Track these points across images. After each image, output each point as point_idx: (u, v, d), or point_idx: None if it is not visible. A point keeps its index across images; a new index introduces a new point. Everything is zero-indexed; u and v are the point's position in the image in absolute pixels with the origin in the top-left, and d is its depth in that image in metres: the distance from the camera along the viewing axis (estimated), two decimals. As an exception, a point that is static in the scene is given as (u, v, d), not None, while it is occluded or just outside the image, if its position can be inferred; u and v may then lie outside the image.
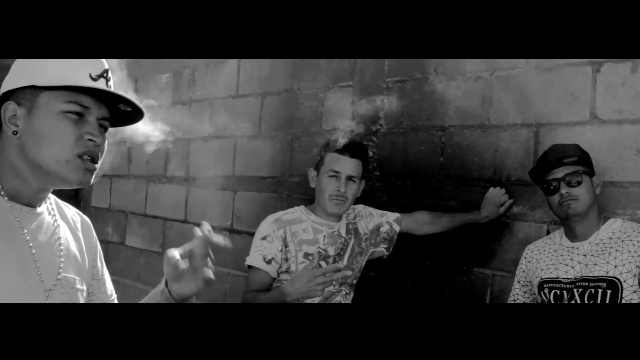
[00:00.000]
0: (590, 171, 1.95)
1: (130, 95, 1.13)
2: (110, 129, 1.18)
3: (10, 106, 1.09)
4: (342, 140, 2.16)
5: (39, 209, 1.15)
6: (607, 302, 1.79)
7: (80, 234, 1.26)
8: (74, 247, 1.21)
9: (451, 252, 2.51)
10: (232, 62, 3.55)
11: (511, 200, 2.35)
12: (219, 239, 1.16)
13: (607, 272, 1.82)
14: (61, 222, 1.20)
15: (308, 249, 2.14)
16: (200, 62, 3.76)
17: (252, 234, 3.26)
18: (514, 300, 2.12)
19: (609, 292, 1.80)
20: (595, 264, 1.86)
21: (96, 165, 1.12)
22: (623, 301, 1.78)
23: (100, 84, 1.11)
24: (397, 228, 2.40)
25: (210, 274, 1.17)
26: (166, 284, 1.18)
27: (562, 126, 2.23)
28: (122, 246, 4.25)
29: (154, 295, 1.20)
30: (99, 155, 1.12)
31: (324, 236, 2.19)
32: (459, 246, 2.49)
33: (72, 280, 1.18)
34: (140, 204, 4.20)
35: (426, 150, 2.63)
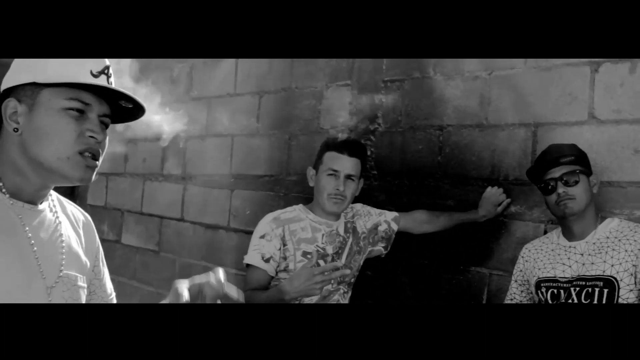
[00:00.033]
0: (587, 171, 1.96)
1: (130, 91, 1.13)
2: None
3: (11, 103, 1.09)
4: (342, 136, 2.15)
5: (41, 206, 1.14)
6: (604, 301, 1.80)
7: (81, 232, 1.25)
8: (75, 245, 1.21)
9: (449, 251, 2.51)
10: (229, 60, 3.54)
11: (509, 200, 2.36)
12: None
13: (604, 271, 1.83)
14: (63, 219, 1.20)
15: (306, 247, 2.14)
16: (198, 60, 3.75)
17: (248, 233, 3.28)
18: (511, 300, 2.13)
19: (605, 291, 1.81)
20: (592, 263, 1.86)
21: (97, 162, 1.12)
22: (620, 300, 1.79)
23: (101, 81, 1.11)
24: (395, 227, 2.40)
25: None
26: None
27: (560, 126, 2.23)
28: (117, 244, 4.24)
29: None
30: (100, 152, 1.12)
31: (323, 235, 2.19)
32: (456, 245, 2.49)
33: (74, 278, 1.17)
34: (137, 202, 4.19)
35: (424, 149, 2.64)
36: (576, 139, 2.10)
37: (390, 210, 2.46)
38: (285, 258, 2.12)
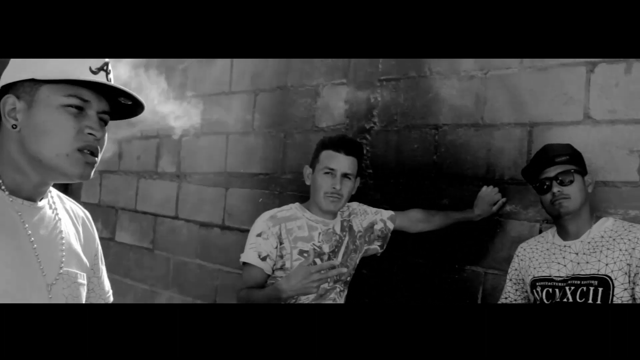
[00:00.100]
0: (582, 170, 1.97)
1: (129, 88, 1.13)
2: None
3: (10, 99, 1.08)
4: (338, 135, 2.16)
5: (40, 203, 1.14)
6: (599, 300, 1.81)
7: (80, 229, 1.25)
8: (75, 242, 1.21)
9: (444, 250, 2.52)
10: (224, 59, 3.53)
11: (504, 199, 2.37)
12: None
13: (598, 270, 1.84)
14: (62, 215, 1.20)
15: (303, 246, 2.14)
16: (193, 59, 3.74)
17: (243, 231, 3.28)
18: (506, 299, 2.14)
19: (600, 289, 1.82)
20: (587, 262, 1.87)
21: (96, 158, 1.11)
22: (615, 299, 1.80)
23: (101, 77, 1.10)
24: (391, 226, 2.41)
25: None
26: None
27: (556, 126, 2.24)
28: (111, 242, 4.23)
29: None
30: (99, 149, 1.12)
31: (319, 233, 2.19)
32: (452, 244, 2.50)
33: (74, 275, 1.17)
34: (131, 199, 4.17)
35: (420, 148, 2.64)
36: (571, 139, 2.11)
37: (386, 209, 2.46)
38: (281, 256, 2.12)
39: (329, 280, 1.99)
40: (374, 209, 2.43)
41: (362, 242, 2.35)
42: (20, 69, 1.09)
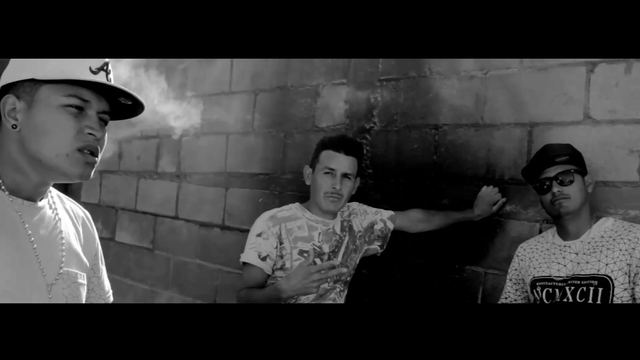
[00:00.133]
0: (582, 170, 1.97)
1: (130, 88, 1.12)
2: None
3: (10, 99, 1.08)
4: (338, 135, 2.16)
5: (40, 203, 1.14)
6: (599, 300, 1.81)
7: (80, 229, 1.25)
8: (75, 242, 1.21)
9: (444, 250, 2.52)
10: (224, 59, 3.53)
11: (504, 199, 2.37)
12: None
13: (598, 270, 1.84)
14: (62, 215, 1.20)
15: (303, 246, 2.14)
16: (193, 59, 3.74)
17: (243, 231, 3.28)
18: (506, 298, 2.14)
19: (600, 289, 1.82)
20: (587, 262, 1.87)
21: (96, 158, 1.11)
22: (615, 299, 1.80)
23: (101, 77, 1.10)
24: (391, 226, 2.41)
25: None
26: None
27: (556, 126, 2.24)
28: (111, 242, 4.23)
29: None
30: (99, 149, 1.12)
31: (319, 233, 2.19)
32: (451, 244, 2.50)
33: (74, 275, 1.17)
34: (131, 199, 4.17)
35: (420, 148, 2.64)
36: (571, 139, 2.11)
37: (385, 209, 2.46)
38: (281, 256, 2.12)
39: (329, 280, 1.99)
40: (374, 209, 2.43)
41: (362, 242, 2.35)
42: (20, 68, 1.09)
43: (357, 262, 2.34)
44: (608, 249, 1.86)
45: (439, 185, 2.57)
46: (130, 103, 1.14)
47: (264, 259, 2.10)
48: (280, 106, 3.23)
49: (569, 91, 2.22)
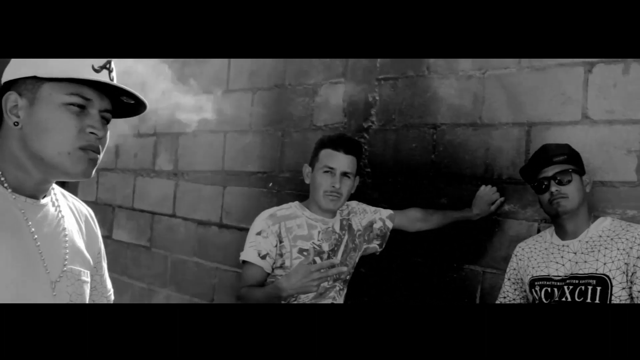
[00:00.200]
0: (580, 170, 1.98)
1: (132, 87, 1.12)
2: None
3: (12, 96, 1.07)
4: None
5: (43, 201, 1.14)
6: (597, 299, 1.82)
7: (83, 226, 1.25)
8: (78, 239, 1.21)
9: (443, 249, 2.53)
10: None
11: (502, 198, 2.37)
12: None
13: (596, 270, 1.85)
14: (65, 213, 1.19)
15: (302, 244, 2.15)
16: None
17: (241, 229, 3.28)
18: (505, 298, 2.14)
19: (598, 289, 1.83)
20: (585, 262, 1.88)
21: (98, 156, 1.11)
22: (613, 298, 1.81)
23: (103, 76, 1.10)
24: (390, 225, 2.41)
25: None
26: None
27: (554, 126, 2.25)
28: (108, 240, 4.22)
29: None
30: (101, 148, 1.11)
31: (319, 232, 2.19)
32: (450, 243, 2.51)
33: (78, 272, 1.17)
34: (128, 197, 4.17)
35: (418, 147, 2.65)
36: (569, 139, 2.12)
37: (384, 208, 2.47)
38: (281, 255, 2.12)
39: (328, 279, 2.00)
40: (373, 208, 2.44)
41: (361, 240, 2.35)
42: (22, 66, 1.08)
43: (357, 260, 2.35)
44: (606, 248, 1.87)
45: (437, 185, 2.57)
46: (132, 102, 1.14)
47: (263, 257, 2.10)
48: (278, 104, 3.23)
49: (567, 91, 2.23)
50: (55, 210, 1.16)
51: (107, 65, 1.12)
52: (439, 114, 2.58)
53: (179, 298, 3.68)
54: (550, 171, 1.95)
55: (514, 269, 2.11)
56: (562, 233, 2.00)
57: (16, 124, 1.07)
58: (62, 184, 1.27)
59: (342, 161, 2.16)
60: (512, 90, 2.38)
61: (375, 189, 2.75)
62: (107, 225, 4.28)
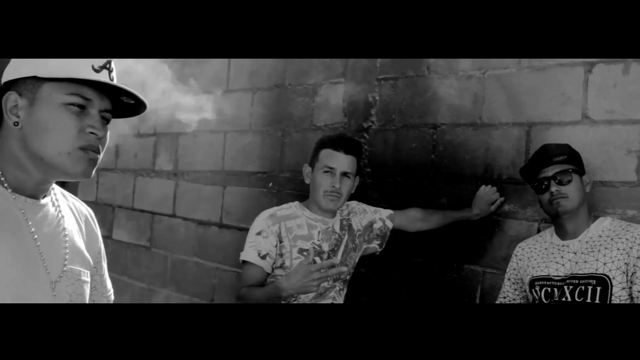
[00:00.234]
0: (580, 170, 1.98)
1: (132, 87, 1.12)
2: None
3: (12, 96, 1.07)
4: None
5: (43, 201, 1.14)
6: (597, 299, 1.82)
7: (83, 226, 1.25)
8: (78, 239, 1.21)
9: (443, 249, 2.53)
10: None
11: (502, 198, 2.37)
12: None
13: (596, 270, 1.85)
14: (65, 213, 1.19)
15: (303, 244, 2.15)
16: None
17: (241, 229, 3.28)
18: (505, 298, 2.15)
19: (598, 289, 1.83)
20: (585, 262, 1.88)
21: (99, 156, 1.11)
22: (613, 298, 1.81)
23: (103, 75, 1.10)
24: (390, 225, 2.41)
25: None
26: None
27: (554, 126, 2.25)
28: (108, 240, 4.22)
29: None
30: (101, 148, 1.11)
31: (319, 232, 2.19)
32: (450, 243, 2.51)
33: (78, 272, 1.17)
34: (128, 197, 4.17)
35: (418, 147, 2.65)
36: (569, 139, 2.12)
37: (384, 207, 2.47)
38: (281, 255, 2.12)
39: (328, 278, 2.00)
40: (373, 208, 2.44)
41: (361, 240, 2.35)
42: (22, 65, 1.08)
43: (357, 260, 2.35)
44: (606, 248, 1.87)
45: (437, 185, 2.57)
46: (132, 102, 1.14)
47: (263, 257, 2.10)
48: (278, 104, 3.23)
49: (567, 91, 2.23)
50: (55, 210, 1.16)
51: (107, 65, 1.12)
52: (439, 114, 2.58)
53: (179, 298, 3.68)
54: (550, 171, 1.95)
55: (514, 269, 2.11)
56: (562, 233, 2.00)
57: (16, 124, 1.07)
58: (62, 184, 1.26)
59: (342, 161, 2.16)
60: (512, 90, 2.38)
61: (375, 189, 2.75)
62: (107, 225, 4.28)
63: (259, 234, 2.13)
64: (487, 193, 2.37)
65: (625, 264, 1.82)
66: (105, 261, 1.34)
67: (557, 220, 1.99)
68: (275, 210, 2.22)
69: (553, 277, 1.94)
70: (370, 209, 2.43)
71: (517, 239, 2.24)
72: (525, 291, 2.07)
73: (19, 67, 1.09)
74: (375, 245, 2.42)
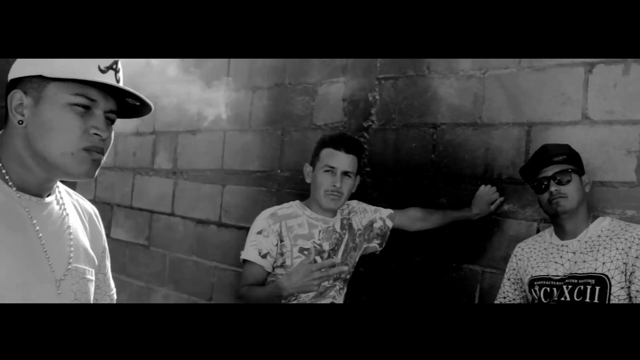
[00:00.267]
0: (579, 170, 1.98)
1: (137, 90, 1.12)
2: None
3: (17, 95, 1.07)
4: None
5: (48, 199, 1.13)
6: (596, 298, 1.83)
7: (88, 224, 1.25)
8: (83, 237, 1.21)
9: (442, 249, 2.53)
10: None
11: (502, 198, 2.38)
12: None
13: (595, 269, 1.85)
14: (70, 211, 1.19)
15: (303, 243, 2.15)
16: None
17: (240, 228, 3.28)
18: (504, 298, 2.15)
19: (597, 288, 1.84)
20: (584, 262, 1.89)
21: (102, 156, 1.11)
22: (612, 297, 1.82)
23: (109, 76, 1.10)
24: (390, 224, 2.42)
25: None
26: None
27: (554, 126, 2.26)
28: (107, 238, 4.21)
29: None
30: (104, 148, 1.11)
31: (319, 231, 2.20)
32: (450, 243, 2.51)
33: (82, 271, 1.17)
34: (127, 196, 4.16)
35: (418, 147, 2.65)
36: (569, 139, 2.13)
37: (384, 207, 2.47)
38: (282, 254, 2.12)
39: (329, 278, 2.00)
40: (373, 207, 2.44)
41: (362, 240, 2.36)
42: (28, 64, 1.08)
43: (357, 260, 2.35)
44: (605, 248, 1.87)
45: (437, 184, 2.58)
46: (137, 104, 1.14)
47: (264, 256, 2.10)
48: (277, 103, 3.23)
49: (567, 91, 2.23)
50: (60, 208, 1.16)
51: (114, 66, 1.12)
52: (439, 113, 2.58)
53: (178, 297, 3.68)
54: (549, 171, 1.96)
55: (514, 269, 2.12)
56: (561, 233, 2.00)
57: (21, 122, 1.06)
58: (64, 182, 1.26)
59: (342, 160, 2.16)
60: (512, 90, 2.38)
61: (375, 189, 2.76)
62: (105, 223, 4.27)
63: (259, 233, 2.13)
64: (486, 193, 2.37)
65: (624, 263, 1.82)
66: (109, 260, 1.34)
67: (556, 220, 2.00)
68: (276, 209, 2.22)
69: (552, 277, 1.95)
70: (370, 208, 2.43)
71: (516, 239, 2.24)
72: (524, 291, 2.07)
73: (25, 66, 1.08)
74: (375, 245, 2.42)
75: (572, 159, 1.97)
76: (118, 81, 1.12)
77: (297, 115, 3.11)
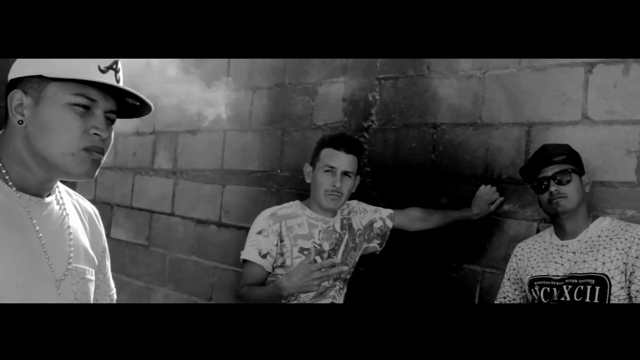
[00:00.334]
0: (579, 170, 1.98)
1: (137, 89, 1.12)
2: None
3: (17, 94, 1.07)
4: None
5: (48, 199, 1.13)
6: (596, 298, 1.83)
7: (88, 224, 1.25)
8: (83, 237, 1.21)
9: (442, 249, 2.53)
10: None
11: (502, 198, 2.38)
12: None
13: (595, 269, 1.85)
14: (70, 211, 1.19)
15: (303, 243, 2.15)
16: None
17: (240, 228, 3.28)
18: (504, 298, 2.15)
19: (597, 288, 1.84)
20: (584, 261, 1.89)
21: (102, 156, 1.11)
22: (612, 297, 1.82)
23: (109, 76, 1.10)
24: (390, 224, 2.42)
25: None
26: None
27: (554, 126, 2.26)
28: (107, 238, 4.21)
29: None
30: (104, 148, 1.11)
31: (319, 231, 2.20)
32: (450, 243, 2.51)
33: (82, 271, 1.17)
34: (126, 196, 4.17)
35: (418, 147, 2.65)
36: (569, 139, 2.13)
37: (384, 207, 2.47)
38: (282, 254, 2.12)
39: (329, 278, 2.00)
40: (373, 207, 2.44)
41: (362, 240, 2.36)
42: (29, 64, 1.08)
43: (357, 260, 2.35)
44: (605, 248, 1.88)
45: (437, 184, 2.58)
46: (137, 104, 1.14)
47: (264, 256, 2.10)
48: (277, 103, 3.23)
49: (567, 91, 2.23)
50: (60, 208, 1.16)
51: (114, 66, 1.11)
52: (439, 113, 2.59)
53: (178, 297, 3.68)
54: (549, 171, 1.96)
55: (514, 269, 2.12)
56: (561, 233, 2.00)
57: (20, 122, 1.06)
58: (64, 182, 1.26)
59: (343, 160, 2.16)
60: (512, 90, 2.38)
61: (375, 189, 2.76)
62: (105, 223, 4.27)
63: (259, 233, 2.13)
64: (486, 193, 2.37)
65: (624, 263, 1.82)
66: (109, 260, 1.34)
67: (556, 220, 2.00)
68: (276, 209, 2.22)
69: (552, 277, 1.95)
70: (370, 208, 2.43)
71: (516, 239, 2.24)
72: (524, 291, 2.07)
73: (25, 66, 1.08)
74: (375, 245, 2.42)
75: (572, 159, 1.97)
76: (118, 81, 1.12)
77: (297, 115, 3.11)
